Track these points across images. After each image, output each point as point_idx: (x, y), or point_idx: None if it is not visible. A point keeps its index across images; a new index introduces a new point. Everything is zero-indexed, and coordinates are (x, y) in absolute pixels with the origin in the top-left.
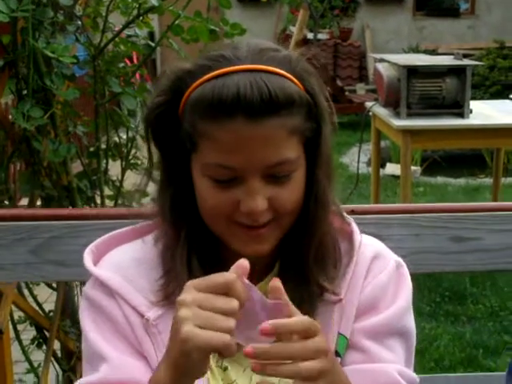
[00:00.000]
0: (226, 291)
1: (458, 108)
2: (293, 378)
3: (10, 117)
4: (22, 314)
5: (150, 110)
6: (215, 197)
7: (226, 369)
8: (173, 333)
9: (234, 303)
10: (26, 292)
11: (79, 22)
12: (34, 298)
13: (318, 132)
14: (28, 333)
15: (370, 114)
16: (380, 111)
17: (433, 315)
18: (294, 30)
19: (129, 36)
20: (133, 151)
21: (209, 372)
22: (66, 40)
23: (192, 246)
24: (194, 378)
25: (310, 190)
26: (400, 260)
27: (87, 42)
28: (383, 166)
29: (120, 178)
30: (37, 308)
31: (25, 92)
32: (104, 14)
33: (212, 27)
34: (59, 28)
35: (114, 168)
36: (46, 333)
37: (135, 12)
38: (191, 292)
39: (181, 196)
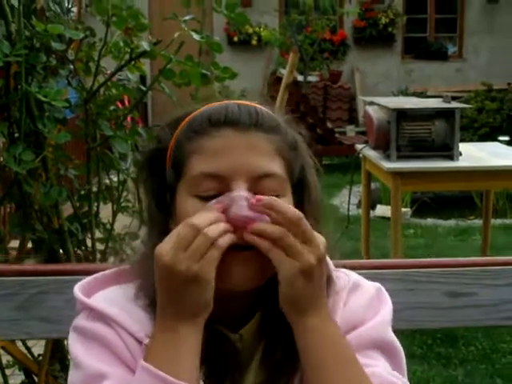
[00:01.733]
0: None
1: (447, 150)
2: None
3: (1, 159)
4: (10, 358)
5: (142, 156)
6: None
7: None
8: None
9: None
10: None
11: (71, 66)
12: (23, 341)
13: (303, 175)
14: (16, 377)
15: (361, 156)
16: (370, 153)
17: (424, 358)
18: (284, 72)
19: (120, 80)
20: (124, 194)
21: None
22: (58, 84)
23: None
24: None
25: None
26: (379, 285)
27: (79, 86)
28: (373, 207)
29: (111, 221)
30: (26, 352)
31: (17, 135)
32: (96, 58)
33: (204, 71)
34: (51, 72)
35: (105, 211)
36: (35, 377)
37: (127, 56)
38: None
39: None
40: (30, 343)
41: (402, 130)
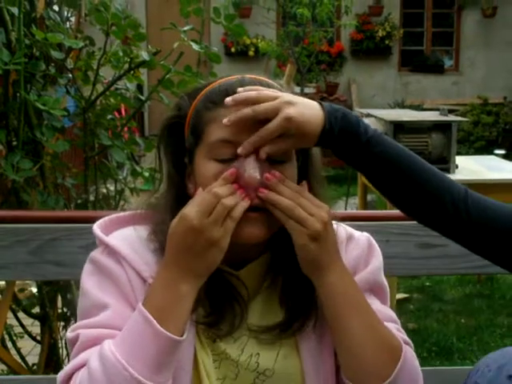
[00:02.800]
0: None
1: (443, 163)
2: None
3: None
4: (5, 367)
5: (163, 122)
6: (218, 176)
7: (215, 340)
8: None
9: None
10: (9, 344)
11: (70, 75)
12: (18, 350)
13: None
14: None
15: None
16: None
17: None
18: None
19: (117, 89)
20: (121, 203)
21: (197, 341)
22: (57, 92)
23: None
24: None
25: None
26: (367, 235)
27: (78, 95)
28: None
29: None
30: (20, 361)
31: (15, 143)
32: (95, 67)
33: (202, 81)
34: (50, 80)
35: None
36: None
37: (126, 66)
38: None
39: (181, 201)
40: (24, 352)
41: (399, 143)
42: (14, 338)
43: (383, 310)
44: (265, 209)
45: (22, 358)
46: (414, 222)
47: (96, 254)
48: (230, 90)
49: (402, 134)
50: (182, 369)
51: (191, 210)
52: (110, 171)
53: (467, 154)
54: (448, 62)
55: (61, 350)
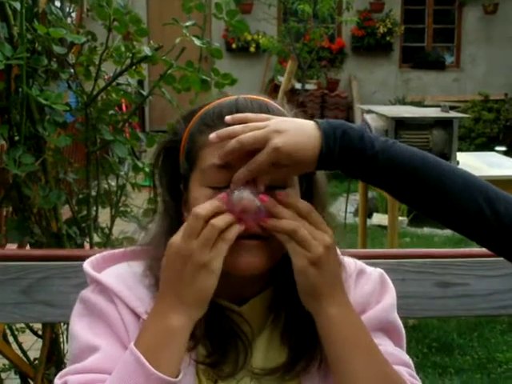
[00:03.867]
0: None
1: (444, 159)
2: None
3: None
4: (6, 361)
5: (158, 147)
6: None
7: (216, 381)
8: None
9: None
10: (10, 339)
11: (71, 70)
12: (19, 345)
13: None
14: (12, 381)
15: None
16: None
17: (420, 367)
18: (282, 80)
19: (118, 84)
20: (122, 199)
21: (197, 382)
22: (59, 88)
23: None
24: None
25: None
26: (380, 270)
27: (79, 90)
28: (370, 216)
29: (109, 225)
30: (21, 355)
31: (17, 138)
32: (97, 62)
33: (204, 77)
34: (52, 75)
35: (103, 215)
36: (31, 381)
37: (128, 61)
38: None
39: (175, 225)
40: (25, 346)
41: (400, 139)
42: (16, 332)
43: (395, 353)
44: (265, 237)
45: (24, 352)
46: (432, 259)
47: (86, 292)
48: (224, 112)
49: (403, 131)
50: None
51: (177, 235)
52: (112, 166)
53: (468, 150)
54: (449, 59)
55: (62, 345)
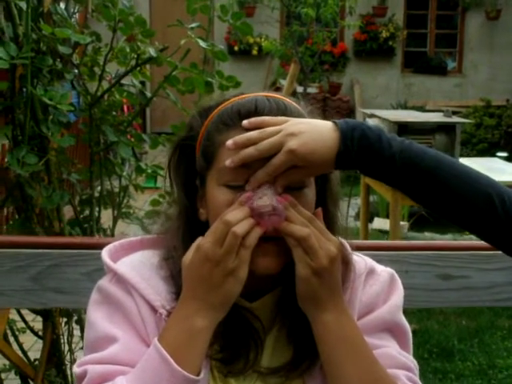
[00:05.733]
0: None
1: None
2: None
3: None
4: (6, 362)
5: (174, 143)
6: (230, 203)
7: (226, 375)
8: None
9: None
10: (11, 339)
11: (76, 70)
12: (20, 345)
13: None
14: (12, 382)
15: None
16: None
17: (421, 372)
18: (284, 83)
19: (121, 85)
20: (125, 200)
21: (210, 377)
22: (63, 88)
23: None
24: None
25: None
26: (391, 270)
27: (84, 90)
28: (371, 220)
29: (111, 226)
30: (22, 356)
31: (20, 138)
32: (102, 63)
33: (208, 79)
34: (57, 75)
35: (105, 216)
36: (31, 382)
37: (133, 62)
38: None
39: (190, 220)
40: (25, 347)
41: None
42: (17, 332)
43: (397, 356)
44: (280, 237)
45: (24, 353)
46: (435, 252)
47: (104, 282)
48: (242, 111)
49: (406, 135)
50: None
51: (205, 240)
52: (115, 167)
53: (469, 156)
54: (451, 64)
55: (63, 346)
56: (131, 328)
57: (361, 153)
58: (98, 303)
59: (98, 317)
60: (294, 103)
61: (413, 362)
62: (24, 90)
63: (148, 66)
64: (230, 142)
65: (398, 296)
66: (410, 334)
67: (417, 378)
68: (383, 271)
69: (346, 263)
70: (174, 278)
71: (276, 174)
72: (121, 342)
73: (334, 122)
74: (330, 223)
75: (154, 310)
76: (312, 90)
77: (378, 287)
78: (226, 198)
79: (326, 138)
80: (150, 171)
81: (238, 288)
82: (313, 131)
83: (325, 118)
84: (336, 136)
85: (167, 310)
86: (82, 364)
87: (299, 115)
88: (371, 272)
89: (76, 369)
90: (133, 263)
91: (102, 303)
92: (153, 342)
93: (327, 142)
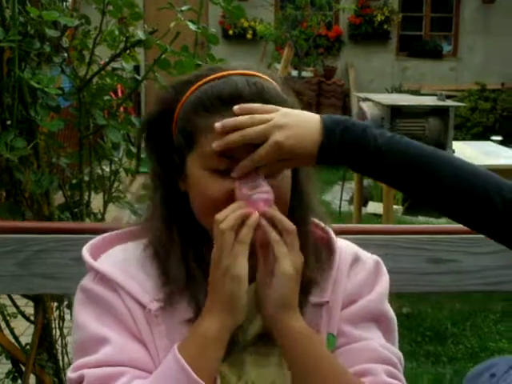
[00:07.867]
0: None
1: (440, 148)
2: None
3: None
4: None
5: (146, 118)
6: (214, 186)
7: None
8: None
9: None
10: (2, 324)
11: (65, 54)
12: (11, 330)
13: None
14: (3, 366)
15: None
16: None
17: (413, 355)
18: (278, 67)
19: (114, 69)
20: (115, 184)
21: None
22: (52, 71)
23: (186, 248)
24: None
25: (296, 196)
26: (377, 258)
27: (73, 74)
28: (365, 204)
29: (102, 210)
30: (13, 341)
31: (9, 122)
32: (91, 46)
33: (199, 62)
34: (45, 59)
35: (96, 201)
36: (22, 366)
37: (122, 45)
38: None
39: (170, 199)
40: (17, 332)
41: (396, 127)
42: (8, 318)
43: (379, 350)
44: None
45: (16, 338)
46: (424, 236)
47: (87, 282)
48: (223, 96)
49: (399, 119)
50: None
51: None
52: (105, 151)
53: (464, 139)
54: (446, 48)
55: (54, 331)
56: (121, 326)
57: (343, 146)
58: (84, 303)
59: (85, 318)
60: (270, 79)
61: (396, 355)
62: (12, 73)
63: (142, 51)
64: (218, 125)
65: (384, 284)
66: (395, 323)
67: (398, 372)
68: (369, 258)
69: (330, 248)
70: (161, 266)
71: (261, 164)
72: (113, 342)
73: (320, 117)
74: (305, 201)
75: (142, 306)
76: (307, 73)
77: (363, 276)
78: (209, 181)
79: (313, 131)
80: (142, 156)
81: (238, 286)
82: (300, 125)
83: (319, 102)
84: (320, 129)
85: (155, 302)
86: (77, 368)
87: (278, 97)
88: (356, 260)
89: (71, 374)
90: (115, 259)
91: (88, 303)
92: (173, 350)
93: (312, 136)
